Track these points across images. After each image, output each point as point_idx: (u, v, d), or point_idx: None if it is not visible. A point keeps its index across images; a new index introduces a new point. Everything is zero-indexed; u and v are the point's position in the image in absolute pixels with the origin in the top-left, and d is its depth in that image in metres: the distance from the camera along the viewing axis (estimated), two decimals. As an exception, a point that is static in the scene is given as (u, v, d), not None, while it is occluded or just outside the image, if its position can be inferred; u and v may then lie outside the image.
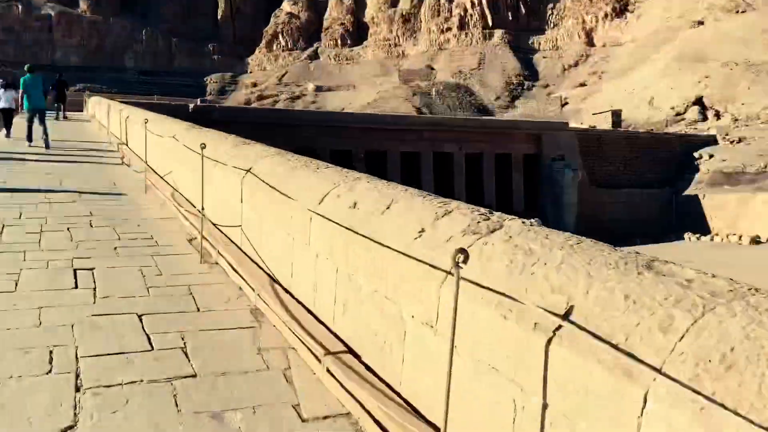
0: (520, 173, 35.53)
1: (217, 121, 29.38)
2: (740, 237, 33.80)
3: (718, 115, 50.76)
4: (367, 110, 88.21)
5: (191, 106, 28.39)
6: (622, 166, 38.91)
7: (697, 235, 35.86)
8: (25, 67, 19.00)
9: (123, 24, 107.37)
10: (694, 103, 52.74)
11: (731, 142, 40.67)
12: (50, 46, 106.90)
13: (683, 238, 36.19)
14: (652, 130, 52.33)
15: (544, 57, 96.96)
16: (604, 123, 51.35)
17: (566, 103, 73.04)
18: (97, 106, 24.78)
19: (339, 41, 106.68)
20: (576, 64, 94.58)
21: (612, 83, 77.07)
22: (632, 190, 38.20)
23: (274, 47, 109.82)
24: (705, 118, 51.25)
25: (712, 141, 41.38)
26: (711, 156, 39.54)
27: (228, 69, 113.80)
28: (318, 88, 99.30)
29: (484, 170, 34.66)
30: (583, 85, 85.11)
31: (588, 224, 36.31)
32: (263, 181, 5.61)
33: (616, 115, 50.72)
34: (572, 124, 66.24)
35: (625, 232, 36.91)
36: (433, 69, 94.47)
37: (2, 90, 19.45)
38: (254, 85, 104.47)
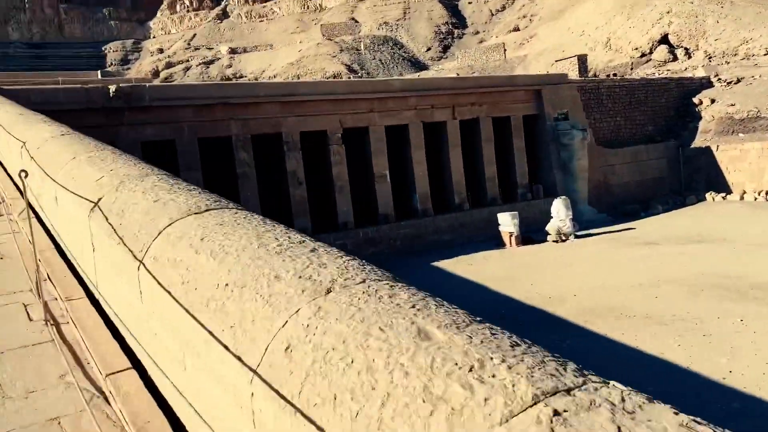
0: (521, 138, 28.67)
1: (150, 106, 20.60)
2: (772, 193, 28.53)
3: (689, 54, 45.39)
4: (290, 72, 78.71)
5: (112, 88, 19.49)
6: (623, 121, 32.69)
7: (722, 195, 30.25)
8: None
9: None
10: (660, 42, 47.13)
11: (728, 84, 35.17)
12: None
13: (704, 198, 30.55)
14: (615, 74, 46.48)
15: (469, 2, 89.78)
16: (570, 71, 44.88)
17: (505, 50, 66.37)
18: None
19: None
20: (503, 8, 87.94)
21: (549, 26, 70.90)
22: (637, 147, 32.12)
23: (178, 8, 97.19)
24: (675, 58, 45.79)
25: (706, 84, 35.76)
26: (713, 101, 33.89)
27: (128, 35, 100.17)
28: (232, 51, 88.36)
29: (482, 139, 27.55)
30: (516, 29, 78.67)
31: (597, 192, 30.03)
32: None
33: (583, 61, 44.40)
34: (520, 73, 59.65)
35: (636, 198, 30.97)
36: (357, 22, 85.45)
37: None
38: (160, 51, 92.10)
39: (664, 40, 47.22)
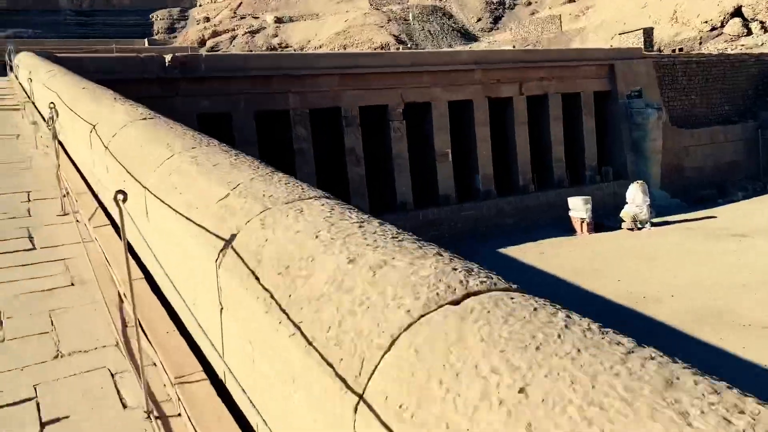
0: (591, 116, 26.77)
1: (205, 77, 19.46)
2: None
3: (765, 28, 42.30)
4: (337, 42, 77.03)
5: (167, 59, 18.37)
6: (698, 99, 30.41)
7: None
8: None
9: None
10: (733, 15, 44.06)
11: (813, 60, 32.45)
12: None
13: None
14: (681, 49, 43.74)
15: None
16: (634, 45, 42.34)
17: (560, 22, 63.47)
18: (25, 68, 14.75)
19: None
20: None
21: (608, -3, 67.56)
22: (714, 128, 29.87)
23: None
24: (749, 32, 42.77)
25: (789, 60, 33.06)
26: (798, 78, 31.29)
27: (174, 3, 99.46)
28: (278, 20, 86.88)
29: (550, 116, 25.76)
30: (571, 1, 75.37)
31: (670, 176, 28.02)
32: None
33: (648, 34, 41.76)
34: (577, 46, 57.02)
35: (711, 182, 28.86)
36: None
37: None
38: (206, 19, 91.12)
39: (737, 12, 44.13)
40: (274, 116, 21.75)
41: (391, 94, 23.08)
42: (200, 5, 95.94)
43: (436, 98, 23.84)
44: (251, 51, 78.96)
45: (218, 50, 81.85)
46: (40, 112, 10.72)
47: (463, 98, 24.34)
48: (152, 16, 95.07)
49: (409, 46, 65.36)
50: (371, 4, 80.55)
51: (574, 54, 27.27)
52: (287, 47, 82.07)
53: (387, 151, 23.38)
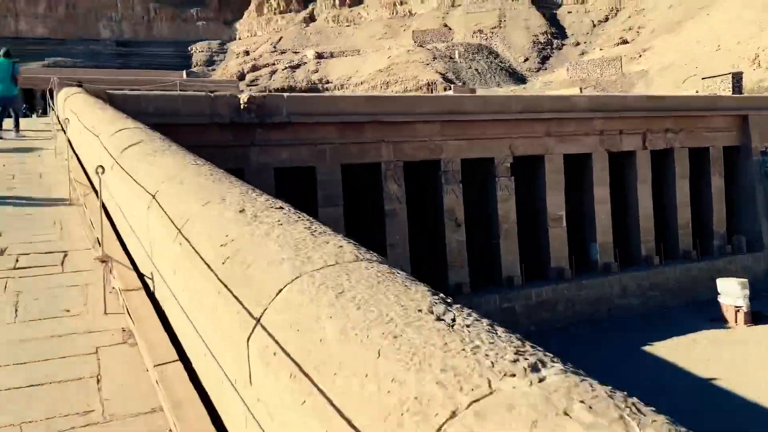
0: (720, 175, 22.23)
1: (287, 123, 15.29)
2: None
3: None
4: (379, 79, 73.54)
5: (243, 99, 14.28)
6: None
7: None
8: (1, 51, 13.94)
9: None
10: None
11: None
12: (13, 16, 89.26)
13: None
14: None
15: (569, 12, 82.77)
16: (723, 90, 37.90)
17: (621, 64, 59.25)
18: (67, 107, 10.59)
19: (337, 1, 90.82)
20: (606, 19, 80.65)
21: (667, 39, 63.41)
22: None
23: (265, 10, 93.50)
24: None
25: None
26: None
27: (214, 36, 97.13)
28: (319, 55, 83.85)
29: (676, 174, 21.26)
30: (624, 42, 71.37)
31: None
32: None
33: (738, 79, 37.40)
34: (642, 91, 52.67)
35: None
36: (449, 29, 79.65)
37: None
38: (246, 53, 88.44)
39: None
40: (361, 170, 17.51)
41: (498, 145, 18.77)
42: (239, 38, 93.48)
43: (550, 150, 19.48)
44: (291, 86, 75.82)
45: (256, 84, 78.85)
46: (93, 185, 6.57)
47: (579, 151, 19.95)
48: (191, 48, 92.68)
49: (459, 84, 61.45)
50: (415, 41, 77.23)
51: (703, 102, 22.80)
52: (327, 83, 78.77)
53: (491, 213, 18.98)
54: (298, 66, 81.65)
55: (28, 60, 70.65)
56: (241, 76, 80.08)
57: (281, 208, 2.93)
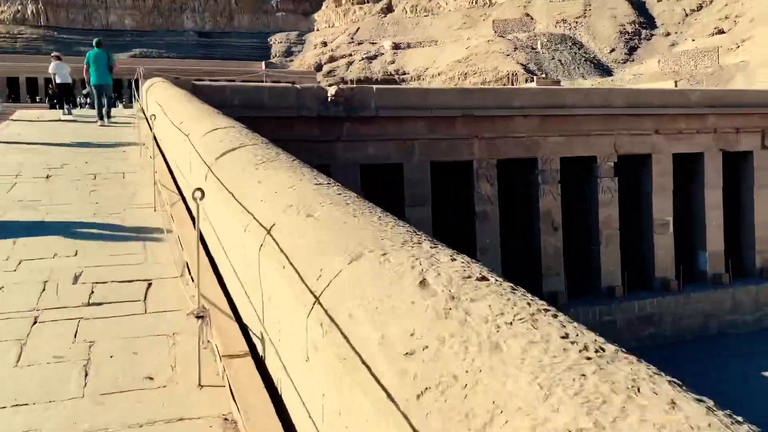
0: None
1: (372, 116, 14.31)
2: None
3: None
4: (457, 70, 71.84)
5: (330, 91, 13.42)
6: None
7: None
8: (94, 42, 15.21)
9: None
10: None
11: None
12: (104, 8, 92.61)
13: None
14: None
15: (658, 0, 78.36)
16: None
17: (718, 56, 55.33)
18: (152, 99, 9.98)
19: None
20: (699, 8, 75.80)
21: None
22: None
23: (343, 1, 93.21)
24: None
25: None
26: None
27: (292, 27, 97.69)
28: (395, 46, 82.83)
29: (798, 179, 19.03)
30: (720, 32, 66.82)
31: None
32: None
33: None
34: (741, 85, 48.97)
35: None
36: (531, 18, 76.91)
37: (56, 63, 17.22)
38: (324, 44, 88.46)
39: None
40: (450, 168, 16.33)
41: (600, 143, 17.16)
42: (317, 30, 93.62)
43: (658, 149, 17.69)
44: (368, 77, 75.19)
45: (334, 75, 78.68)
46: (180, 191, 5.74)
47: (690, 150, 18.06)
48: (270, 40, 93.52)
49: (541, 76, 59.03)
50: (495, 32, 74.97)
51: (833, 97, 20.30)
52: (404, 74, 77.71)
53: (591, 217, 17.42)
54: (374, 57, 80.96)
55: (116, 51, 72.91)
56: (318, 67, 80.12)
57: (485, 278, 1.86)
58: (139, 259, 4.43)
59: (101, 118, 14.09)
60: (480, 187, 16.22)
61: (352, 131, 15.08)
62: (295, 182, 3.03)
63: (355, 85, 16.33)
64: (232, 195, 3.37)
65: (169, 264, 4.20)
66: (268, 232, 2.60)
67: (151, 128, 6.27)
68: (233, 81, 49.87)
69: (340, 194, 2.78)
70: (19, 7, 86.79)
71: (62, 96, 18.14)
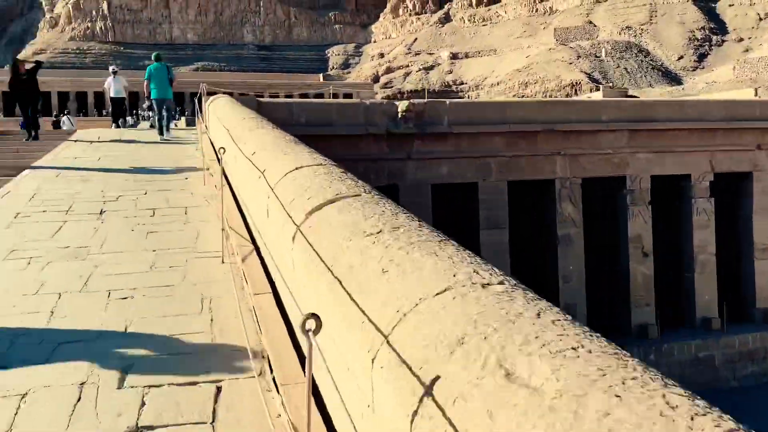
0: None
1: (445, 133, 13.19)
2: None
3: None
4: (517, 79, 69.97)
5: (401, 106, 12.56)
6: None
7: None
8: (153, 56, 15.08)
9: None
10: None
11: None
12: (167, 23, 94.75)
13: None
14: None
15: (730, 5, 74.62)
16: None
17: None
18: (216, 118, 9.07)
19: (474, 0, 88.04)
20: (775, 12, 71.79)
21: None
22: None
23: (401, 12, 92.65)
24: None
25: None
26: None
27: (349, 39, 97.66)
28: (453, 56, 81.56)
29: None
30: (799, 36, 62.95)
31: None
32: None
33: None
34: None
35: None
36: (594, 25, 74.42)
37: (112, 77, 17.39)
38: (381, 55, 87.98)
39: None
40: (530, 188, 15.00)
41: (695, 160, 15.50)
42: (375, 41, 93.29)
43: (760, 166, 15.90)
44: (425, 88, 74.18)
45: (392, 86, 77.97)
46: (252, 239, 4.73)
47: (797, 169, 16.18)
48: (328, 52, 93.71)
49: (606, 84, 56.69)
50: (556, 40, 72.81)
51: None
52: (462, 84, 76.33)
53: (684, 241, 15.73)
54: (431, 67, 79.91)
55: (179, 64, 74.24)
56: (376, 79, 79.59)
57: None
58: (205, 340, 3.39)
59: (161, 132, 14.07)
60: (562, 208, 14.82)
61: (424, 149, 13.96)
62: (449, 280, 1.88)
63: (426, 100, 15.18)
64: (341, 284, 2.25)
65: (244, 353, 3.15)
66: (427, 394, 1.45)
67: (219, 160, 5.29)
68: (291, 94, 49.68)
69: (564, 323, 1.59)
70: (89, 24, 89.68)
71: (115, 110, 18.27)
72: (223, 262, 4.56)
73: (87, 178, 7.75)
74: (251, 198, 4.78)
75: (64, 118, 28.78)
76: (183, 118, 22.11)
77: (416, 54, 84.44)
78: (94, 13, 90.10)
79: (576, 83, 60.65)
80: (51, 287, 4.11)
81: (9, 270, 4.43)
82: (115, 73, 17.71)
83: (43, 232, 5.29)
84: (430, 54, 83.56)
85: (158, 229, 5.48)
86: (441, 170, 14.09)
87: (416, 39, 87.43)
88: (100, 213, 5.98)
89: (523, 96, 64.10)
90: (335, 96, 50.03)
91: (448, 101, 14.39)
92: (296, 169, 3.99)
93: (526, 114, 14.52)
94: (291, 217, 3.20)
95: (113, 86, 17.29)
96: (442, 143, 14.04)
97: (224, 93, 13.08)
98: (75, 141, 11.52)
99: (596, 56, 66.70)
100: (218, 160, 5.16)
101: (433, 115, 13.76)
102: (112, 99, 17.82)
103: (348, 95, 52.93)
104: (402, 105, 13.26)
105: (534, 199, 15.09)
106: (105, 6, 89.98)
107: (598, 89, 53.61)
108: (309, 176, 3.69)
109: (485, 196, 14.28)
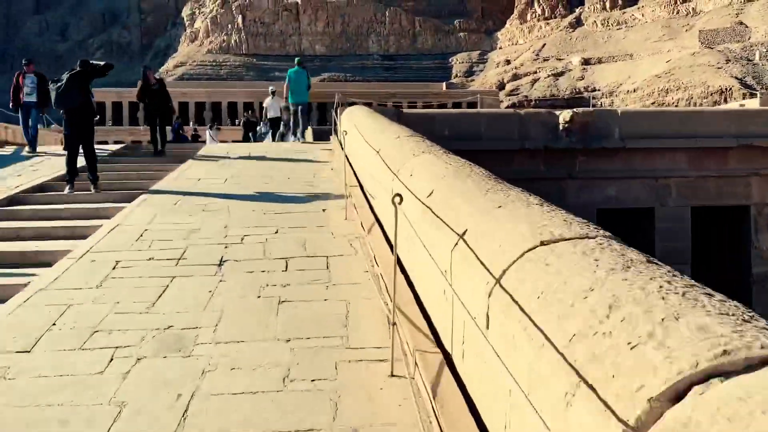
0: None
1: (615, 148, 10.81)
2: None
3: None
4: (656, 85, 64.43)
5: (563, 117, 10.45)
6: None
7: None
8: (295, 60, 15.22)
9: (366, 5, 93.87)
10: None
11: None
12: (297, 35, 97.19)
13: None
14: None
15: None
16: None
17: None
18: (357, 137, 7.56)
19: (607, 3, 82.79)
20: None
21: None
22: None
23: (529, 17, 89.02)
24: None
25: None
26: None
27: (473, 47, 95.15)
28: (585, 61, 76.94)
29: None
30: None
31: None
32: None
33: None
34: None
35: None
36: (745, 26, 67.26)
37: (270, 97, 18.03)
38: (507, 62, 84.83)
39: None
40: (718, 215, 12.30)
41: None
42: (500, 48, 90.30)
43: None
44: (554, 95, 70.39)
45: (518, 93, 74.83)
46: (420, 302, 2.96)
47: None
48: (451, 60, 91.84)
49: (765, 91, 50.53)
50: (701, 42, 66.48)
51: None
52: (594, 90, 71.69)
53: None
54: (561, 73, 75.86)
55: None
56: (501, 86, 76.76)
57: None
58: None
59: (295, 135, 15.04)
60: (759, 240, 11.99)
61: (588, 167, 11.71)
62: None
63: (592, 108, 12.95)
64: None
65: None
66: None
67: (368, 198, 3.57)
68: (415, 103, 48.35)
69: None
70: (225, 38, 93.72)
71: (273, 128, 18.92)
72: (392, 375, 2.82)
73: (209, 206, 6.41)
74: (427, 264, 2.96)
75: (210, 132, 24.02)
76: (310, 128, 21.13)
77: (545, 60, 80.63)
78: (229, 27, 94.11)
79: (726, 89, 54.76)
80: (130, 420, 2.54)
81: (80, 373, 2.93)
82: (273, 93, 18.16)
83: (141, 298, 3.85)
84: (560, 60, 79.45)
85: (293, 297, 3.86)
86: (608, 192, 11.76)
87: (545, 44, 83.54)
88: (219, 264, 4.50)
89: (663, 104, 58.94)
90: (457, 105, 48.07)
91: (620, 110, 12.06)
92: (542, 245, 2.15)
93: (717, 126, 11.84)
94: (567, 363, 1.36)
95: (272, 107, 18.02)
96: (610, 160, 11.72)
97: (363, 103, 11.66)
98: (201, 158, 10.47)
99: (749, 60, 60.06)
100: (365, 196, 3.46)
101: (600, 127, 11.48)
102: (270, 119, 18.47)
103: (472, 104, 50.66)
104: (564, 115, 11.12)
105: (723, 229, 12.35)
106: (240, 20, 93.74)
107: (753, 96, 47.82)
108: (577, 263, 1.81)
109: (663, 225, 11.77)
